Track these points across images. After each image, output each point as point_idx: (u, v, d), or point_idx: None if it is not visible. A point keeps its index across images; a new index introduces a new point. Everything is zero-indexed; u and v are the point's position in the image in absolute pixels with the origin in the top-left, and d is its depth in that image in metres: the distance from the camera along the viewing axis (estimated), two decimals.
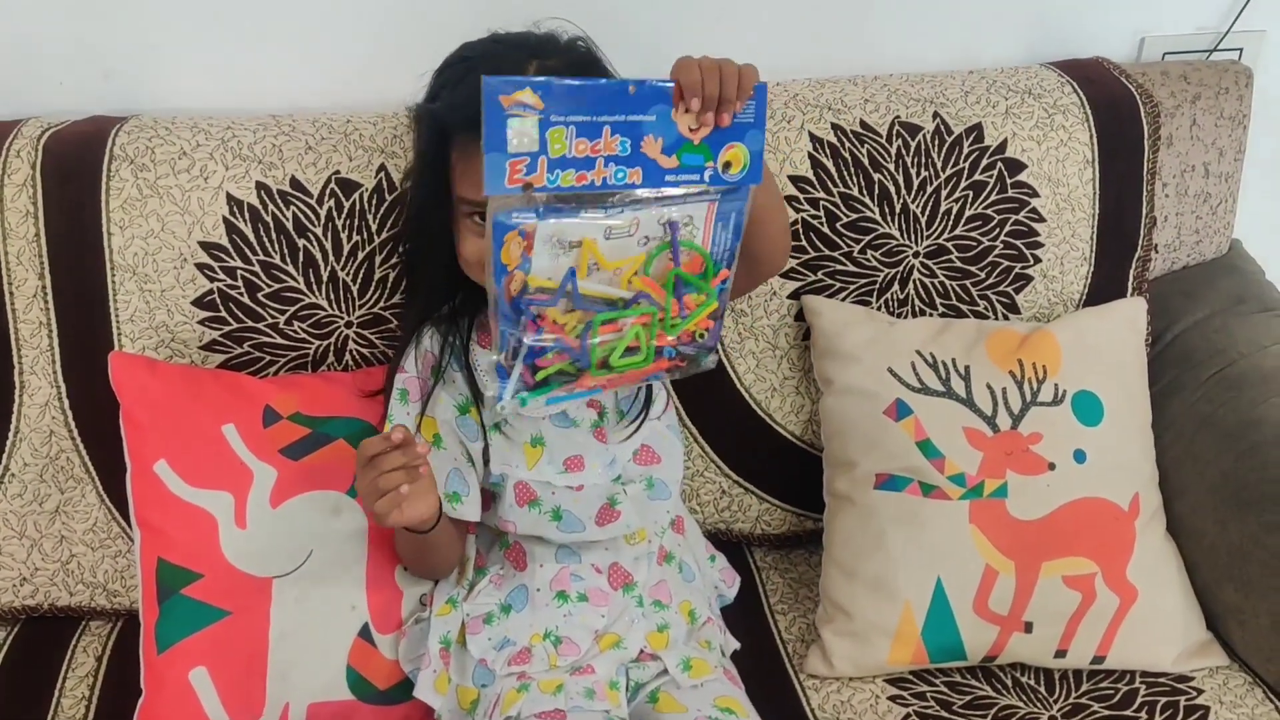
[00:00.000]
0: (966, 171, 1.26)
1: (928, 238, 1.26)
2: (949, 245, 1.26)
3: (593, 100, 0.82)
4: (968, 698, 1.13)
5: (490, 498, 1.07)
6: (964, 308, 1.28)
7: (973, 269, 1.27)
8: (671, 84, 0.84)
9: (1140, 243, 1.31)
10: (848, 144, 1.23)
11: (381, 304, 1.16)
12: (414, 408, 1.04)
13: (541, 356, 0.86)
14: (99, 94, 1.24)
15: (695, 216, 0.88)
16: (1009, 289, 1.29)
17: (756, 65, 1.26)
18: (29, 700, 1.11)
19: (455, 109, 0.94)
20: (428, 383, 1.05)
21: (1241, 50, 1.47)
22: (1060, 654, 1.13)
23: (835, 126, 1.24)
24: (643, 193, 0.86)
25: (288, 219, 1.14)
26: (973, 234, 1.26)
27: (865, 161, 1.23)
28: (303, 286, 1.15)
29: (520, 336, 0.85)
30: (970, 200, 1.26)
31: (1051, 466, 1.14)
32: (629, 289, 0.87)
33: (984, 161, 1.26)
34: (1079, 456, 1.15)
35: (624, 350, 0.89)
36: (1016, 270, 1.28)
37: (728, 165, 0.88)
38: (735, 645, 1.12)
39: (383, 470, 0.91)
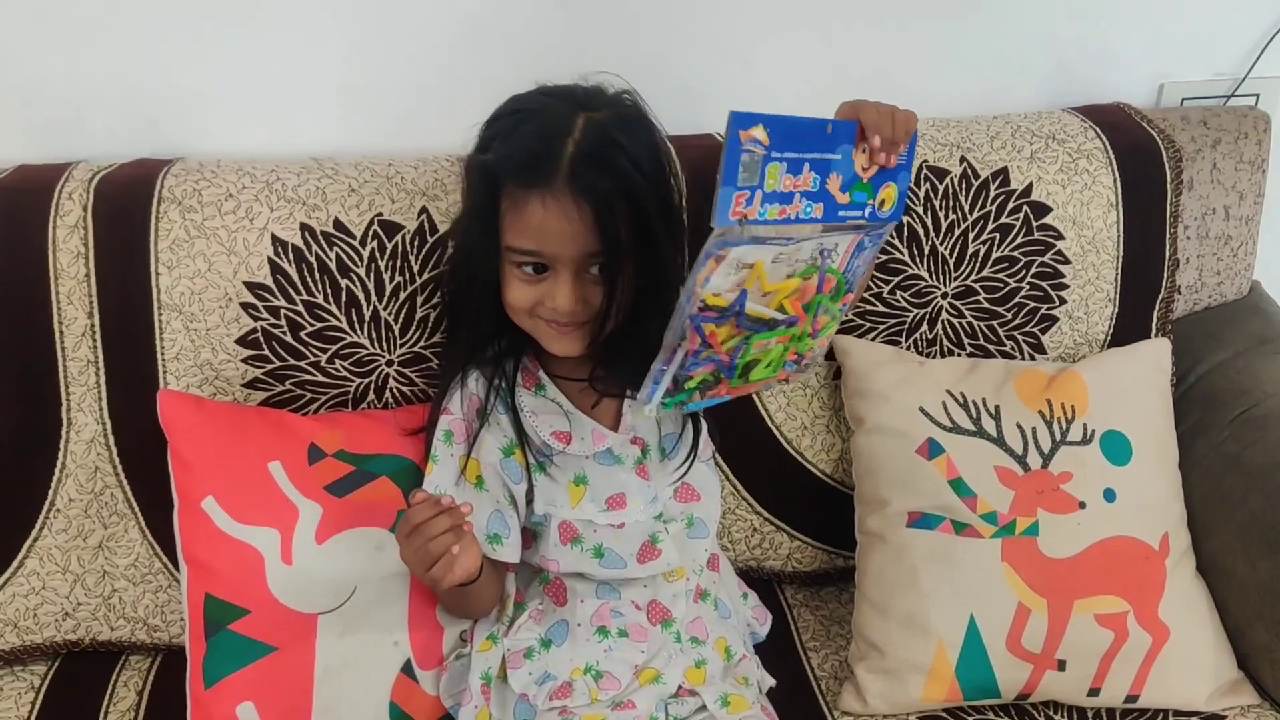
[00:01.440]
0: (993, 214, 1.28)
1: (956, 279, 1.28)
2: (976, 286, 1.28)
3: (801, 137, 0.85)
4: None
5: (531, 537, 1.08)
6: (991, 348, 1.30)
7: (1000, 310, 1.29)
8: (855, 124, 0.89)
9: (1164, 284, 1.33)
10: None
11: (422, 343, 1.18)
12: (459, 449, 1.06)
13: (694, 369, 0.88)
14: (145, 140, 1.27)
15: (840, 243, 0.91)
16: (1035, 329, 1.31)
17: (787, 110, 1.30)
18: None
19: (507, 160, 0.96)
20: (473, 424, 1.06)
21: (1259, 96, 1.50)
22: (1094, 692, 1.14)
23: None
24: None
25: (331, 260, 1.16)
26: (1000, 275, 1.29)
27: None
28: (345, 326, 1.17)
29: (686, 348, 0.86)
30: (997, 242, 1.28)
31: (1082, 505, 1.15)
32: (779, 309, 0.89)
33: (1010, 204, 1.28)
34: (1109, 495, 1.16)
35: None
36: (1043, 311, 1.30)
37: (882, 203, 0.94)
38: (771, 682, 1.13)
39: (431, 536, 0.93)
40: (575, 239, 0.95)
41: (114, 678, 1.18)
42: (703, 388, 0.89)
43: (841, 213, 0.90)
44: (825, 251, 0.89)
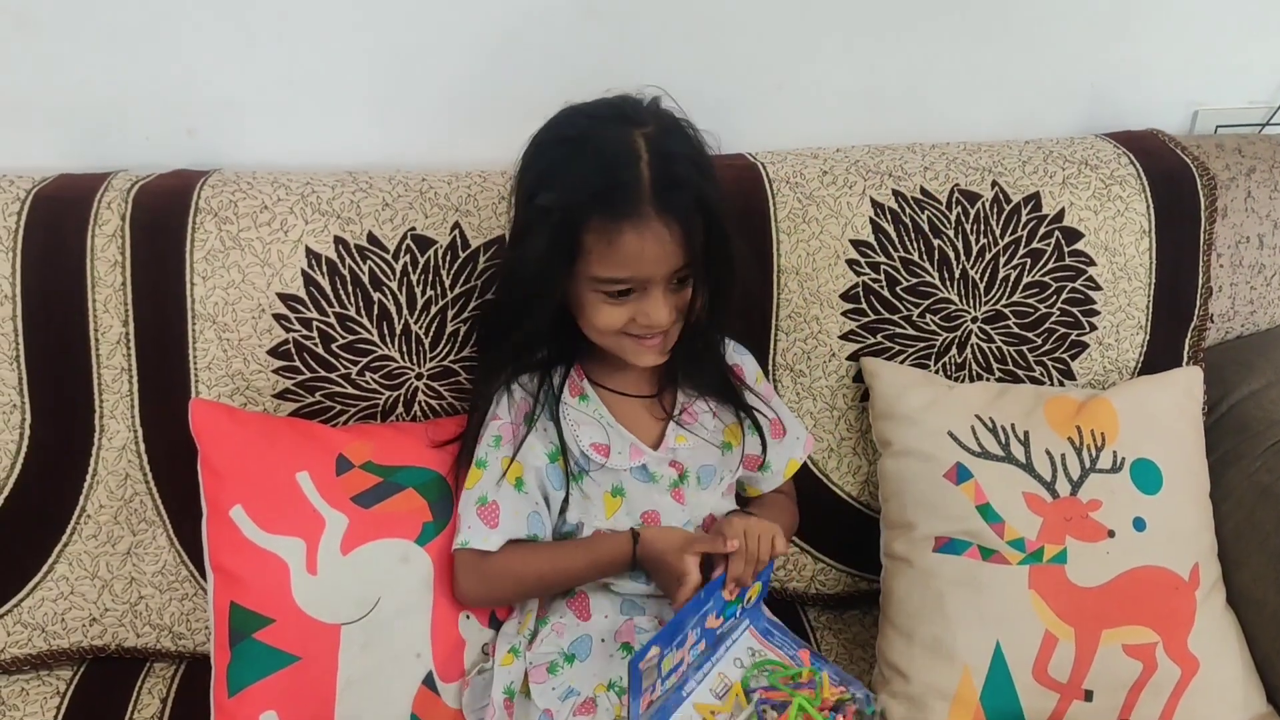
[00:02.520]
0: (1024, 239, 1.28)
1: (986, 303, 1.27)
2: (1007, 311, 1.28)
3: (682, 624, 0.97)
4: None
5: None
6: (1020, 373, 1.30)
7: (1030, 335, 1.29)
8: (723, 577, 1.00)
9: (1196, 312, 1.32)
10: (908, 210, 1.26)
11: (452, 357, 1.19)
12: (506, 451, 1.07)
13: None
14: (182, 150, 1.29)
15: (745, 638, 1.07)
16: (1065, 355, 1.30)
17: (820, 132, 1.31)
18: None
19: (585, 195, 0.96)
20: (519, 429, 1.07)
21: None
22: None
23: (896, 193, 1.26)
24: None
25: (364, 273, 1.17)
26: (1030, 300, 1.28)
27: (925, 227, 1.26)
28: (376, 338, 1.18)
29: None
30: (1028, 267, 1.28)
31: (1111, 534, 1.14)
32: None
33: (1041, 230, 1.28)
34: (1139, 524, 1.15)
35: None
36: (1073, 337, 1.30)
37: (751, 598, 1.07)
38: None
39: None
40: (668, 258, 0.98)
41: (139, 684, 1.19)
42: None
43: (719, 632, 1.04)
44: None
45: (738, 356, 1.19)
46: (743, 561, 1.01)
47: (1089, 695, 1.12)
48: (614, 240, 0.97)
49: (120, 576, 1.18)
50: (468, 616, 1.10)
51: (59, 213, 1.16)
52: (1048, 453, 1.18)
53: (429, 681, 1.06)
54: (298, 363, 1.17)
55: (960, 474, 1.17)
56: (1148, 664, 1.12)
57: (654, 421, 1.11)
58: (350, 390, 1.18)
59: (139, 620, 1.19)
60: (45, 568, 1.16)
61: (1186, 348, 1.33)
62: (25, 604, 1.16)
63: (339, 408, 1.19)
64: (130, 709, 1.16)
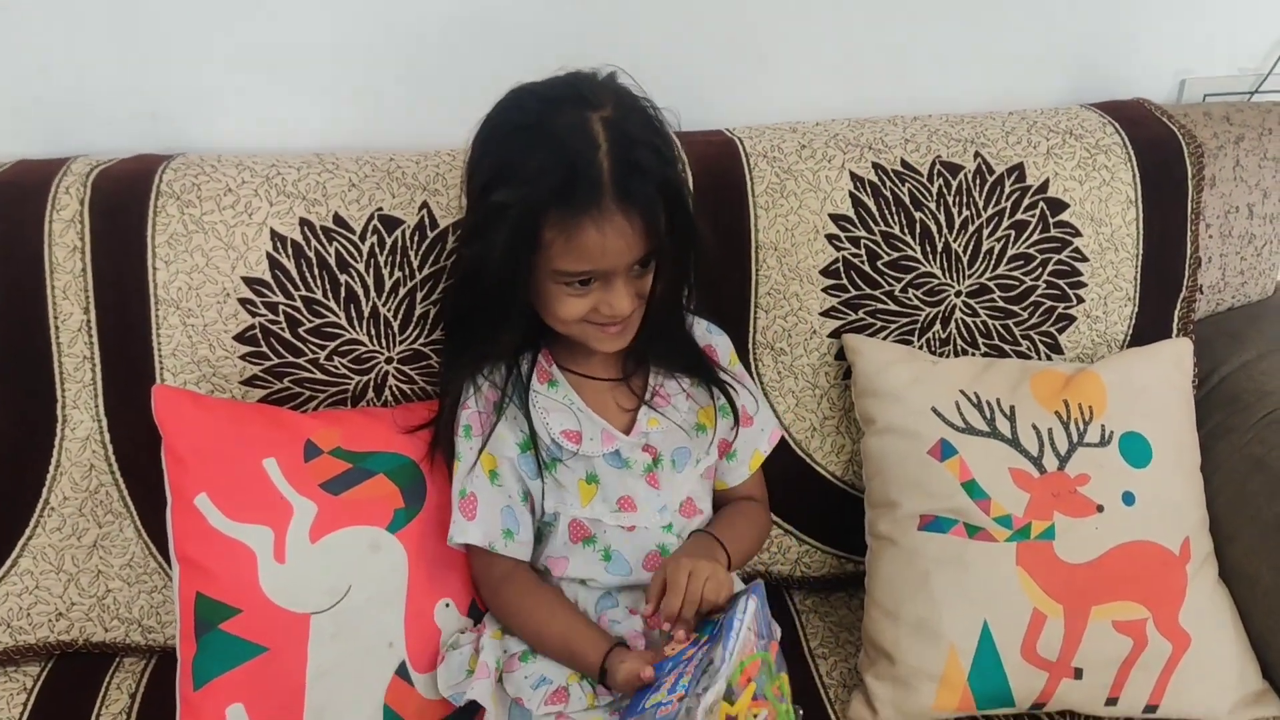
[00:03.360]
0: (1008, 211, 1.25)
1: (969, 277, 1.25)
2: (991, 285, 1.25)
3: (640, 701, 0.92)
4: None
5: (537, 538, 1.06)
6: (1006, 348, 1.27)
7: (1015, 309, 1.26)
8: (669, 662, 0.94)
9: (1185, 283, 1.30)
10: (889, 183, 1.23)
11: (422, 340, 1.16)
12: (476, 442, 1.05)
13: None
14: (145, 134, 1.26)
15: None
16: (1052, 329, 1.27)
17: (799, 105, 1.28)
18: None
19: (544, 190, 0.93)
20: (489, 418, 1.04)
21: None
22: (1111, 701, 1.10)
23: (876, 165, 1.24)
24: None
25: (330, 255, 1.14)
26: (1015, 273, 1.25)
27: (906, 200, 1.23)
28: (344, 322, 1.15)
29: None
30: (1012, 240, 1.25)
31: (1100, 509, 1.12)
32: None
33: (1025, 201, 1.25)
34: (1128, 499, 1.13)
35: None
36: (1059, 310, 1.27)
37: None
38: None
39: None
40: (629, 249, 0.96)
41: (107, 679, 1.16)
42: None
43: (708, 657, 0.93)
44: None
45: (711, 337, 1.16)
46: (677, 599, 0.96)
47: (1079, 673, 1.09)
48: (574, 235, 0.94)
49: (87, 570, 1.15)
50: (447, 604, 1.07)
51: (16, 199, 1.13)
52: (1034, 427, 1.15)
53: (402, 671, 1.03)
54: (264, 348, 1.14)
55: (945, 450, 1.14)
56: (1138, 640, 1.09)
57: (625, 406, 1.09)
58: (319, 375, 1.15)
59: (107, 614, 1.17)
60: (8, 562, 1.14)
61: (1176, 319, 1.30)
62: None
63: (308, 393, 1.16)
64: (98, 704, 1.13)
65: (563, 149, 0.94)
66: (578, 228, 0.93)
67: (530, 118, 0.97)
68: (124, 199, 1.13)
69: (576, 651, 1.00)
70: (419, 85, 1.28)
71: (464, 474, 1.04)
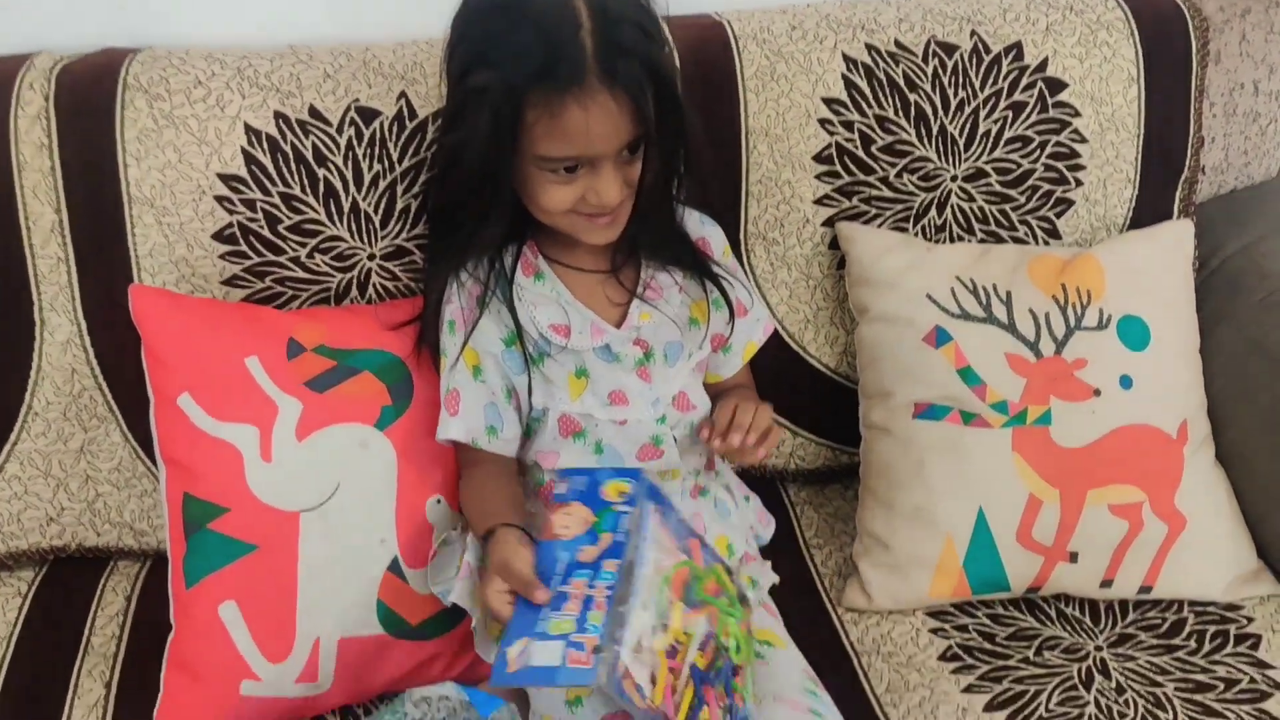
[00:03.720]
0: (1005, 91, 1.21)
1: (966, 160, 1.21)
2: (988, 168, 1.22)
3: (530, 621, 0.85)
4: (1011, 629, 1.11)
5: (526, 434, 1.05)
6: (1003, 233, 1.24)
7: (1012, 193, 1.23)
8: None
9: (1187, 164, 1.26)
10: (882, 64, 1.19)
11: (404, 235, 1.13)
12: (460, 338, 1.02)
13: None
14: (110, 27, 1.20)
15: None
16: (1050, 213, 1.25)
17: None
18: (60, 639, 1.10)
19: (524, 70, 0.90)
20: (472, 313, 1.02)
21: None
22: (1106, 584, 1.10)
23: (869, 47, 1.19)
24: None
25: (307, 149, 1.11)
26: (1012, 156, 1.22)
27: (900, 82, 1.19)
28: (324, 218, 1.12)
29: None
30: (1009, 121, 1.21)
31: (1097, 392, 1.10)
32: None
33: (1024, 81, 1.21)
34: (1125, 382, 1.11)
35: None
36: (1058, 194, 1.24)
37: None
38: (775, 579, 1.09)
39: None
40: (617, 132, 0.92)
41: (102, 583, 1.16)
42: None
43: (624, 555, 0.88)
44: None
45: (704, 229, 1.13)
46: (746, 417, 0.99)
47: (1074, 557, 1.09)
48: (558, 116, 0.90)
49: (75, 475, 1.14)
50: (438, 501, 1.06)
51: None
52: (1031, 312, 1.13)
53: (395, 568, 1.03)
54: (244, 246, 1.11)
55: (939, 337, 1.13)
56: (1134, 523, 1.09)
57: (616, 299, 1.06)
58: (300, 274, 1.13)
59: (98, 519, 1.16)
60: None
61: (1177, 201, 1.27)
62: None
63: (290, 293, 1.14)
64: (94, 607, 1.13)
65: (543, 27, 0.90)
66: (561, 108, 0.90)
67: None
68: (90, 94, 1.09)
69: (478, 523, 0.99)
70: None
71: (448, 369, 1.03)
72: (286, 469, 1.01)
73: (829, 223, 1.22)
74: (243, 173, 1.10)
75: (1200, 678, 1.05)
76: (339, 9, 1.24)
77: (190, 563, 0.99)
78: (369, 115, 1.12)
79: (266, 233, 1.11)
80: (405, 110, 1.12)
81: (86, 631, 1.11)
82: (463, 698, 0.81)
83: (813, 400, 1.26)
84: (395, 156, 1.12)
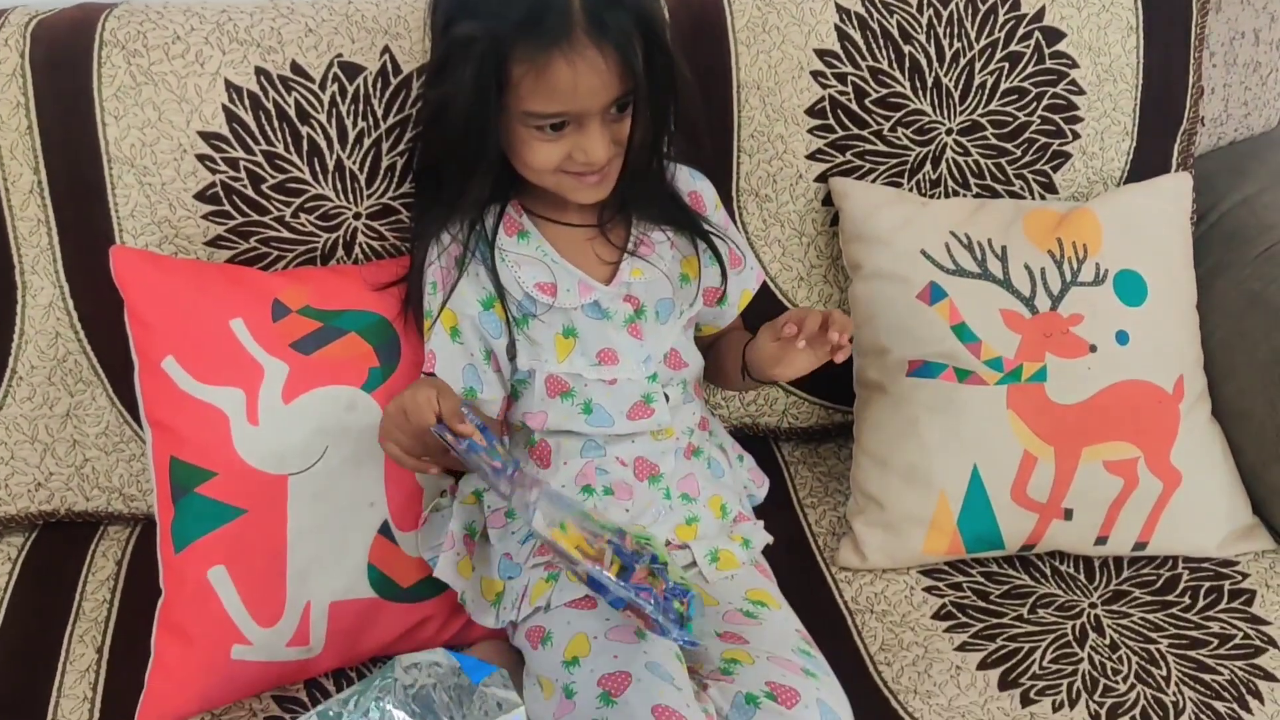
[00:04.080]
0: (1001, 42, 1.19)
1: (961, 113, 1.19)
2: (983, 121, 1.20)
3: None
4: (1005, 587, 1.10)
5: (513, 397, 1.04)
6: (999, 188, 1.22)
7: (1008, 146, 1.21)
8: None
9: (1186, 115, 1.24)
10: (876, 14, 1.17)
11: (390, 194, 1.11)
12: (440, 299, 1.01)
13: None
14: None
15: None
16: (1046, 167, 1.23)
17: None
18: (51, 604, 1.09)
19: (509, 24, 0.88)
20: (451, 274, 1.01)
21: None
22: (1101, 541, 1.10)
23: None
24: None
25: (289, 105, 1.09)
26: (1008, 109, 1.20)
27: (895, 33, 1.17)
28: (308, 177, 1.10)
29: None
30: (1006, 73, 1.19)
31: (1093, 349, 1.09)
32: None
33: (1020, 31, 1.19)
34: (1121, 338, 1.10)
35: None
36: (1055, 147, 1.22)
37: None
38: (768, 539, 1.08)
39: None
40: (604, 88, 0.90)
41: (93, 547, 1.16)
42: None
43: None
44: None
45: (695, 183, 1.11)
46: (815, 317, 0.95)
47: (1069, 514, 1.09)
48: (544, 71, 0.88)
49: (62, 439, 1.13)
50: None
51: None
52: (1026, 267, 1.12)
53: (385, 530, 1.02)
54: (227, 206, 1.10)
55: (934, 294, 1.11)
56: (1129, 480, 1.08)
57: (606, 257, 1.04)
58: (285, 234, 1.11)
59: (86, 484, 1.15)
60: None
61: (1176, 154, 1.25)
62: None
63: (276, 253, 1.12)
64: (85, 572, 1.13)
65: None
66: (547, 62, 0.88)
67: None
68: (66, 50, 1.07)
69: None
70: None
71: (428, 331, 1.01)
72: (274, 432, 1.00)
73: (822, 178, 1.20)
74: (224, 131, 1.08)
75: (1194, 634, 1.05)
76: None
77: (178, 527, 0.98)
78: (352, 71, 1.09)
79: (250, 192, 1.09)
80: (389, 65, 1.10)
81: (77, 596, 1.10)
82: (453, 663, 0.80)
83: None
84: (380, 113, 1.10)
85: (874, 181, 1.20)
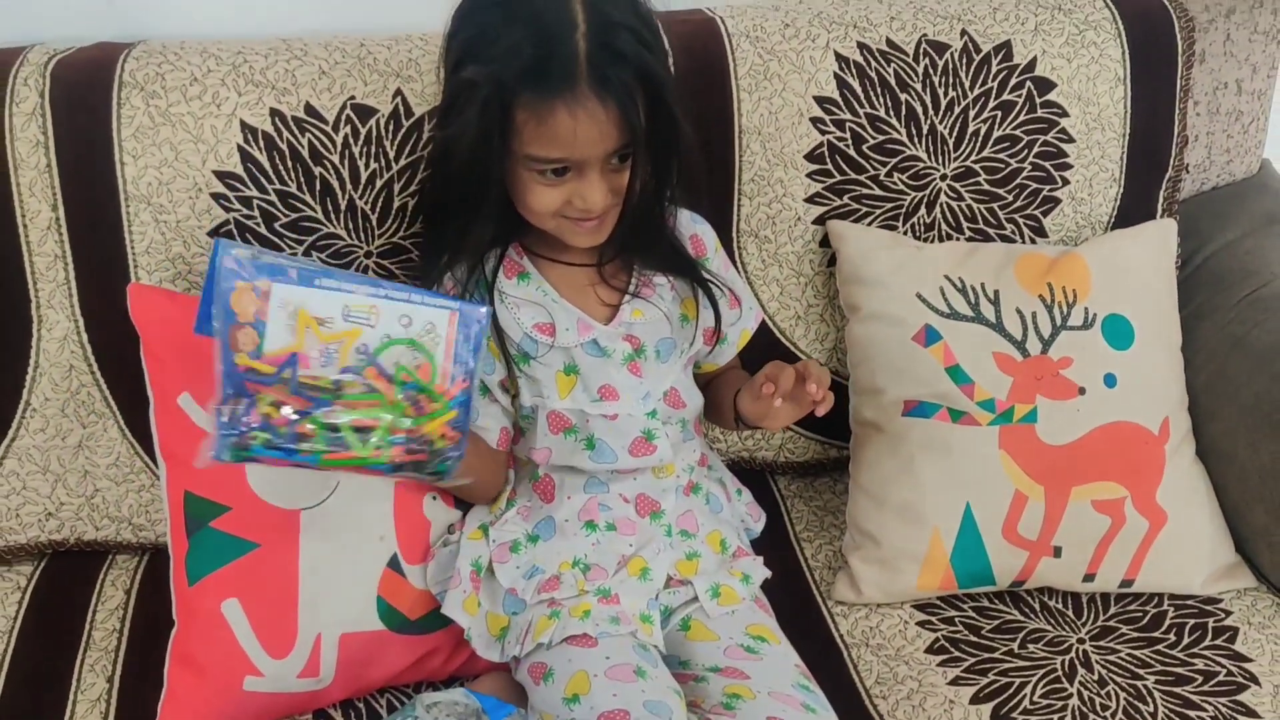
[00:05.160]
0: (995, 91, 1.22)
1: (955, 160, 1.23)
2: (977, 167, 1.24)
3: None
4: (996, 622, 1.13)
5: (519, 432, 1.07)
6: (991, 231, 1.26)
7: (1000, 192, 1.25)
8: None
9: (1171, 163, 1.28)
10: (874, 63, 1.20)
11: (401, 233, 1.14)
12: None
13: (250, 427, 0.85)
14: (102, 20, 1.21)
15: (437, 324, 0.88)
16: (1037, 212, 1.26)
17: None
18: (61, 632, 1.11)
19: (516, 69, 0.90)
20: None
21: None
22: (1089, 578, 1.13)
23: (861, 45, 1.20)
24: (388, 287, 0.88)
25: (303, 146, 1.11)
26: (1001, 155, 1.24)
27: (892, 81, 1.20)
28: (320, 216, 1.12)
29: (240, 413, 0.84)
30: (999, 121, 1.23)
31: (1082, 391, 1.13)
32: (349, 371, 0.86)
33: (1013, 80, 1.23)
34: (1109, 380, 1.14)
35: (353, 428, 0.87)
36: (1045, 193, 1.26)
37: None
38: (766, 574, 1.11)
39: None
40: (604, 138, 0.92)
41: (101, 576, 1.17)
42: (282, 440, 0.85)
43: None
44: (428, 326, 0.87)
45: (695, 226, 1.13)
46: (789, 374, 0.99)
47: (1058, 551, 1.12)
48: (545, 119, 0.91)
49: (73, 470, 1.15)
50: (434, 498, 1.08)
51: None
52: (1018, 311, 1.15)
53: (394, 564, 1.04)
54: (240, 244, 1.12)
55: (929, 336, 1.15)
56: (1116, 518, 1.11)
57: (606, 298, 1.06)
58: None
59: (96, 513, 1.17)
60: None
61: (1161, 199, 1.29)
62: None
63: None
64: (94, 600, 1.14)
65: (538, 26, 0.90)
66: (549, 111, 0.90)
67: None
68: (86, 91, 1.09)
69: None
70: None
71: None
72: (286, 468, 1.02)
73: (820, 220, 1.23)
74: (239, 170, 1.10)
75: (1180, 670, 1.08)
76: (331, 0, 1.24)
77: (193, 560, 1.00)
78: (365, 113, 1.12)
79: (263, 230, 1.12)
80: (401, 107, 1.12)
81: (87, 625, 1.12)
82: (474, 704, 0.83)
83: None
84: (392, 154, 1.12)
85: (870, 224, 1.23)
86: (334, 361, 0.85)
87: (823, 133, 1.20)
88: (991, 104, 1.22)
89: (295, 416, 0.84)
